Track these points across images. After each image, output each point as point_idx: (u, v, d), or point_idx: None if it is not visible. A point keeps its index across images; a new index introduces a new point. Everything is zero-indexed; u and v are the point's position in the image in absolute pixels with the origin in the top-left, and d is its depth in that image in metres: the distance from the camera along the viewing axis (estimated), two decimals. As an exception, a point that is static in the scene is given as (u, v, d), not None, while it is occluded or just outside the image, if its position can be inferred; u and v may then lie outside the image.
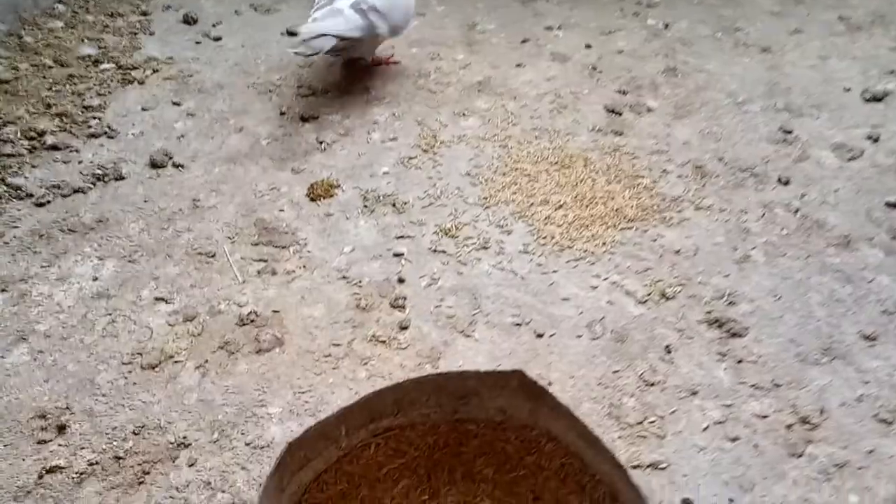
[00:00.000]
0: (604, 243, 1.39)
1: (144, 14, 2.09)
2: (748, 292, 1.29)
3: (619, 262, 1.36)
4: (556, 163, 1.61)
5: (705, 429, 1.06)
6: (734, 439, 1.04)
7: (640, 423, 1.06)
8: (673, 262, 1.36)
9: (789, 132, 1.70)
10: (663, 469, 1.00)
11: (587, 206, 1.48)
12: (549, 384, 1.10)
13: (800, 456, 1.02)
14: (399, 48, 2.01)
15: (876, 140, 1.66)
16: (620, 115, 1.77)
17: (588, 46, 2.05)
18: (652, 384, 1.12)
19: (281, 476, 0.85)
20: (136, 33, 1.98)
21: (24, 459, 1.00)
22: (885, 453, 1.02)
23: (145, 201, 1.46)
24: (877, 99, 1.80)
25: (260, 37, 2.03)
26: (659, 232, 1.43)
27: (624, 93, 1.85)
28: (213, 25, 2.06)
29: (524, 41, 2.07)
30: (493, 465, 0.97)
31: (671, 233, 1.43)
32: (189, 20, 2.05)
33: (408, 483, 0.95)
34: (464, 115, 1.75)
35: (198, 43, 1.98)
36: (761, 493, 0.97)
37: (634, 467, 0.99)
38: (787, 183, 1.55)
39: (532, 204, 1.49)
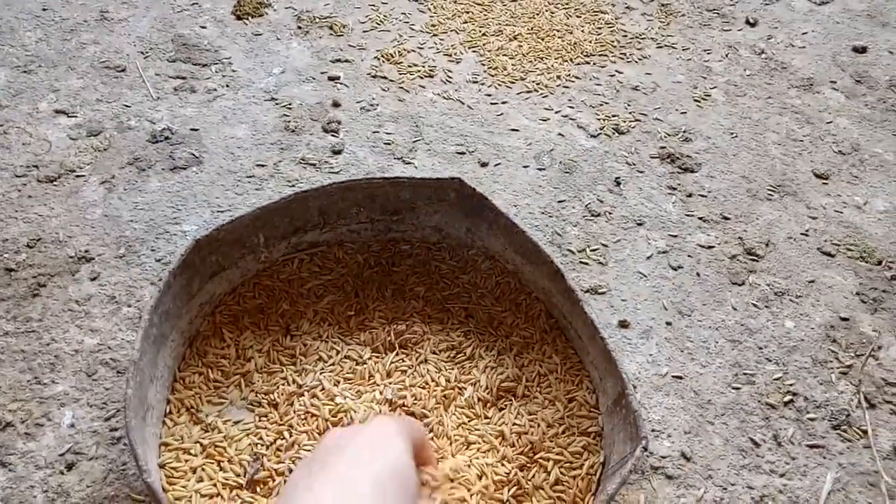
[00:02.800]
0: (558, 77, 1.29)
1: None
2: (704, 130, 1.23)
3: (573, 95, 1.26)
4: (512, -7, 1.47)
5: (649, 257, 1.01)
6: (677, 268, 1.00)
7: (583, 250, 1.01)
8: (630, 98, 1.27)
9: (762, -28, 1.59)
10: (602, 294, 0.96)
11: (543, 39, 1.36)
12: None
13: (741, 285, 0.99)
14: None
15: (850, -15, 1.57)
16: (585, -52, 1.62)
17: None
18: (598, 214, 1.07)
19: (190, 278, 0.77)
20: None
21: None
22: (825, 283, 1.00)
23: (44, 10, 1.28)
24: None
25: None
26: (618, 68, 1.33)
27: (591, -74, 1.69)
28: None
29: None
30: (425, 285, 0.91)
31: (630, 69, 1.33)
32: None
33: (333, 299, 0.89)
34: (414, -62, 1.57)
35: None
36: (699, 318, 0.94)
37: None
38: (754, 24, 1.46)
39: (484, 34, 1.36)
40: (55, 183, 1.01)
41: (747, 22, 1.46)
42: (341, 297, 0.89)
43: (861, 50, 1.41)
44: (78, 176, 1.02)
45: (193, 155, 1.07)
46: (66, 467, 0.72)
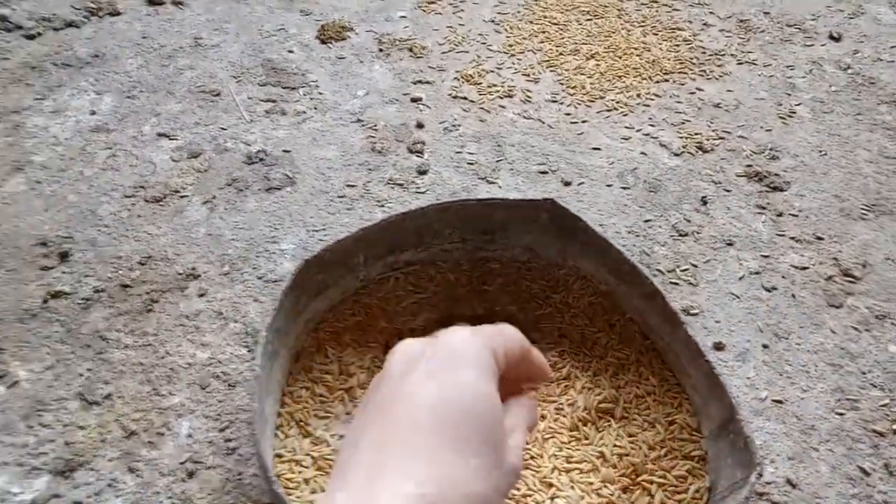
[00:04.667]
0: (638, 95, 1.29)
1: None
2: (792, 147, 1.21)
3: (654, 114, 1.26)
4: (588, 12, 1.47)
5: (741, 278, 1.00)
6: (771, 289, 0.99)
7: (672, 270, 1.01)
8: (712, 115, 1.26)
9: (845, -15, 1.55)
10: (694, 315, 0.95)
11: (620, 58, 1.37)
12: (577, 230, 1.03)
13: (839, 307, 0.97)
14: None
15: (939, -3, 1.53)
16: (659, -35, 1.61)
17: None
18: (686, 234, 1.06)
19: (297, 297, 0.81)
20: None
21: (27, 284, 0.95)
22: (929, 306, 0.97)
23: (143, 38, 1.35)
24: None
25: None
26: (698, 85, 1.32)
27: (664, -58, 1.68)
28: None
29: None
30: (517, 304, 0.93)
31: (711, 86, 1.32)
32: None
33: (428, 317, 0.91)
34: (488, -41, 1.60)
35: None
36: (797, 341, 0.93)
37: (665, 311, 0.94)
38: (838, 39, 1.43)
39: (561, 54, 1.37)
40: (161, 203, 1.06)
41: (831, 37, 1.43)
42: (436, 315, 0.91)
43: (954, 63, 1.36)
44: (182, 196, 1.07)
45: (287, 176, 1.11)
46: (187, 475, 0.76)
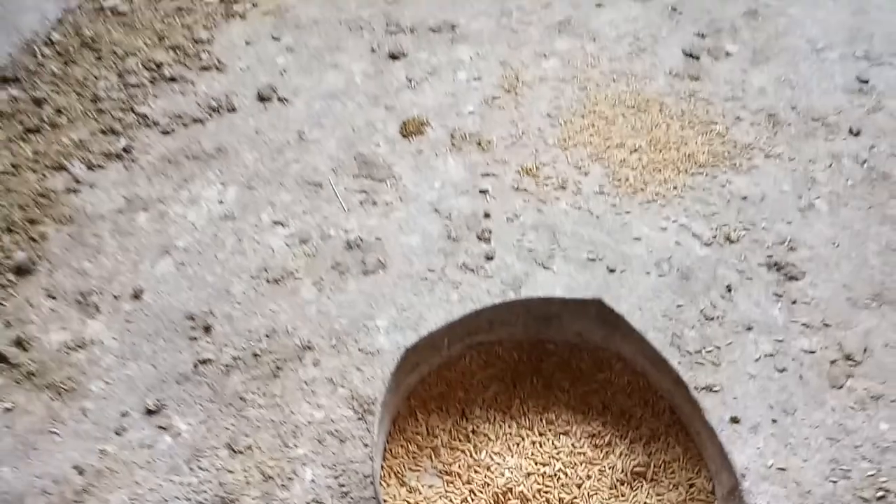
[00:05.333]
0: (675, 187, 1.50)
1: (239, -55, 2.18)
2: (809, 239, 1.39)
3: (688, 205, 1.47)
4: (633, 106, 1.69)
5: (757, 360, 1.20)
6: (782, 370, 1.18)
7: (699, 351, 1.21)
8: (739, 207, 1.46)
9: (865, 82, 1.72)
10: (716, 392, 1.15)
11: (661, 151, 1.58)
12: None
13: (840, 388, 1.16)
14: (482, -16, 2.07)
15: (955, 92, 1.68)
16: (698, 59, 1.82)
17: (669, -15, 2.06)
18: (711, 318, 1.26)
19: (398, 376, 1.04)
20: (233, -34, 2.09)
21: (180, 352, 1.22)
22: (920, 390, 1.15)
23: (256, 133, 1.62)
24: (962, 49, 1.79)
25: (348, -30, 2.12)
26: (728, 178, 1.52)
27: (703, 36, 1.88)
28: (304, -42, 2.15)
29: (605, -22, 2.10)
30: (568, 379, 1.14)
31: (740, 179, 1.52)
32: (281, -48, 2.14)
33: (496, 389, 1.13)
34: (545, 55, 1.83)
35: (291, -24, 2.08)
36: (802, 417, 1.12)
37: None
38: (857, 134, 1.61)
39: (608, 147, 1.59)
40: (280, 283, 1.32)
41: (850, 131, 1.61)
42: (503, 387, 1.14)
43: (963, 159, 1.52)
44: (296, 278, 1.33)
45: (379, 260, 1.36)
46: (315, 514, 1.00)
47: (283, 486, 1.04)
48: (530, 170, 1.54)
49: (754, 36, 1.88)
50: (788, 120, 1.65)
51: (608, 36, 1.89)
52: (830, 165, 1.54)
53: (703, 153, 1.57)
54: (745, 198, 1.48)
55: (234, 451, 1.09)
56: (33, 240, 1.37)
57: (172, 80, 1.73)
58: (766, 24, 1.92)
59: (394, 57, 1.82)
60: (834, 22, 1.91)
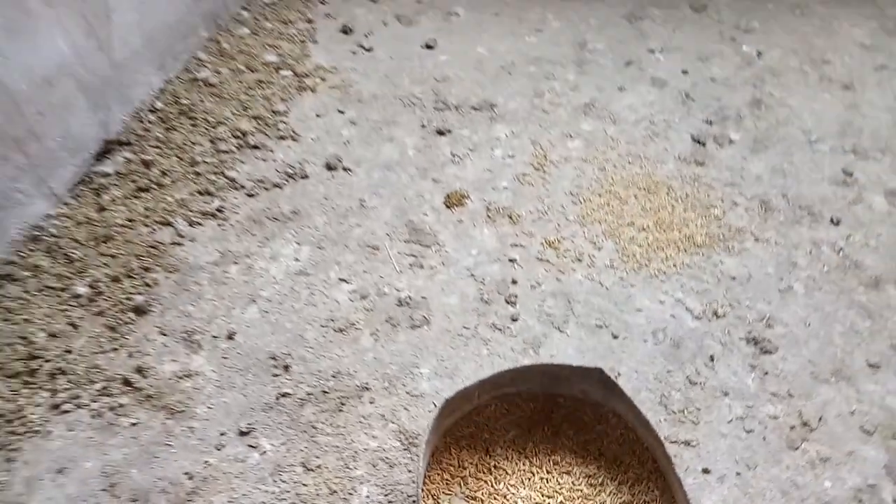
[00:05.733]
0: (674, 265, 1.77)
1: (309, 21, 2.52)
2: (785, 318, 1.66)
3: (684, 282, 1.74)
4: (644, 188, 1.97)
5: (729, 421, 1.47)
6: (749, 431, 1.45)
7: (682, 411, 1.48)
8: (728, 286, 1.73)
9: (850, 174, 1.98)
10: (693, 446, 1.42)
11: (665, 231, 1.85)
12: (618, 375, 1.53)
13: (796, 449, 1.42)
14: (519, 65, 2.37)
15: (928, 190, 1.93)
16: (704, 145, 2.09)
17: (685, 72, 2.34)
18: (695, 383, 1.53)
19: (438, 420, 1.33)
20: (304, 41, 2.42)
21: (265, 385, 1.53)
22: (861, 455, 1.40)
23: (325, 198, 1.94)
24: (939, 148, 2.04)
25: (404, 49, 2.43)
26: (721, 259, 1.79)
27: (710, 123, 2.16)
28: (366, 35, 2.48)
29: (628, 63, 2.38)
30: (573, 429, 1.42)
31: (731, 260, 1.79)
32: (346, 30, 2.47)
33: (515, 433, 1.42)
34: (570, 136, 2.12)
35: (354, 53, 2.40)
36: (761, 472, 1.38)
37: (672, 442, 1.42)
38: (838, 223, 1.86)
39: (620, 225, 1.87)
40: (343, 332, 1.63)
41: (832, 220, 1.86)
42: (520, 432, 1.43)
43: (926, 253, 1.77)
44: (356, 329, 1.63)
45: (424, 317, 1.66)
46: (371, 524, 1.30)
47: (344, 499, 1.34)
48: (552, 243, 1.83)
49: (757, 125, 2.15)
50: (778, 207, 1.92)
51: (627, 119, 2.18)
52: (811, 252, 1.80)
53: (702, 235, 1.84)
54: (733, 278, 1.75)
55: (307, 469, 1.40)
56: (147, 285, 1.70)
57: (255, 147, 2.06)
58: (768, 113, 2.18)
59: (441, 133, 2.13)
60: (829, 115, 2.17)
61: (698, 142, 2.10)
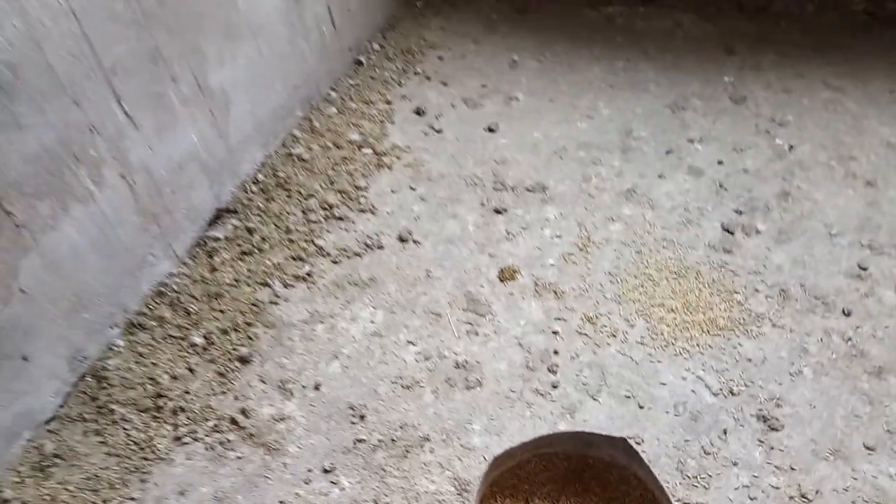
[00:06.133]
0: (697, 345, 2.03)
1: (388, 102, 2.89)
2: (793, 399, 1.89)
3: (705, 360, 1.99)
4: (675, 272, 2.23)
5: (736, 488, 1.71)
6: (753, 499, 1.69)
7: (696, 476, 1.74)
8: (744, 367, 1.97)
9: (865, 269, 2.20)
10: (703, 508, 1.68)
11: (692, 313, 2.11)
12: (642, 441, 1.79)
13: (793, 517, 1.66)
14: (570, 150, 2.67)
15: (936, 287, 2.14)
16: (733, 234, 2.34)
17: (720, 162, 2.60)
18: (709, 453, 1.78)
19: (488, 473, 1.62)
20: (383, 121, 2.79)
21: (344, 431, 1.85)
22: (851, 527, 1.63)
23: (397, 268, 2.27)
24: (951, 248, 2.24)
25: (469, 131, 2.77)
26: (740, 341, 2.04)
27: (740, 213, 2.41)
28: (436, 117, 2.83)
29: (668, 152, 2.66)
30: (600, 486, 1.69)
31: (748, 343, 2.03)
32: (419, 111, 2.83)
33: (550, 487, 1.69)
34: (612, 220, 2.41)
35: (426, 133, 2.75)
36: (761, 535, 1.62)
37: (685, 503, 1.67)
38: (849, 315, 2.09)
39: (652, 305, 2.14)
40: (410, 389, 1.94)
41: (843, 312, 2.09)
42: (555, 487, 1.70)
43: (928, 347, 1.98)
44: (420, 386, 1.95)
45: (477, 379, 1.96)
46: (429, 554, 1.60)
47: (409, 533, 1.65)
48: (591, 318, 2.11)
49: (783, 216, 2.39)
50: (796, 296, 2.15)
51: (664, 206, 2.45)
52: (821, 339, 2.03)
53: (724, 318, 2.09)
54: (749, 360, 1.99)
55: (378, 505, 1.71)
56: (249, 338, 2.06)
57: (340, 218, 2.41)
58: (794, 205, 2.42)
59: (497, 212, 2.44)
60: (850, 210, 2.39)
61: (728, 231, 2.35)
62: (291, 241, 2.33)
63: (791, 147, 2.64)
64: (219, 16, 2.13)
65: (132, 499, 1.70)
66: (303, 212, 2.42)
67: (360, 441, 1.83)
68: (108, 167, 1.86)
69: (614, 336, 2.07)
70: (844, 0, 3.36)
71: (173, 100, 2.03)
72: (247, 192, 2.47)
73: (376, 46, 3.10)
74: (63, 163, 1.72)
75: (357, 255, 2.31)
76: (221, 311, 2.11)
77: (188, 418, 1.87)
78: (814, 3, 3.38)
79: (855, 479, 1.73)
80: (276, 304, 2.16)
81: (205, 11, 2.06)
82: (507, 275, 2.24)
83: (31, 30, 1.56)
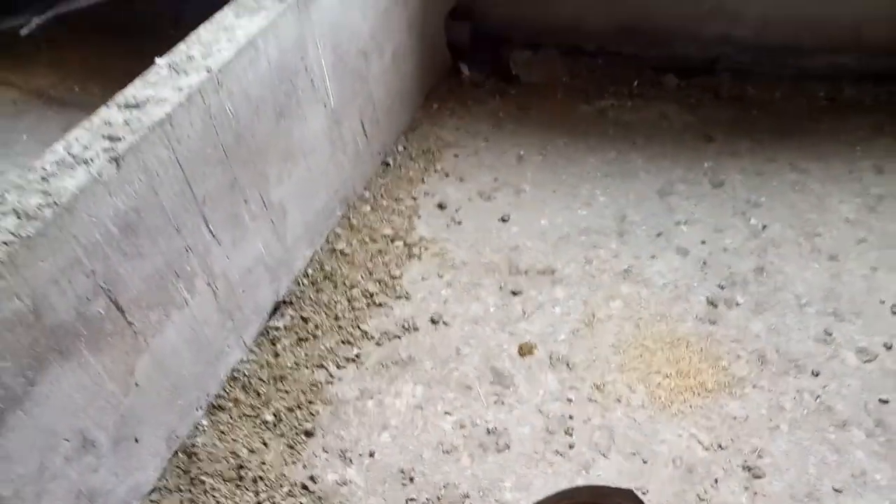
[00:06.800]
0: (690, 406, 2.40)
1: (414, 199, 3.33)
2: (772, 450, 2.25)
3: (697, 420, 2.36)
4: (669, 342, 2.62)
5: (727, 529, 2.06)
6: (741, 538, 2.04)
7: (692, 520, 2.09)
8: (731, 424, 2.34)
9: (830, 334, 2.58)
10: (700, 547, 2.02)
11: (684, 378, 2.49)
12: (647, 491, 2.15)
13: (775, 552, 2.00)
14: (573, 236, 3.09)
15: (889, 348, 2.51)
16: (717, 307, 2.73)
17: (703, 242, 3.01)
18: (703, 500, 2.13)
19: (521, 524, 1.98)
20: (411, 216, 3.23)
21: (397, 492, 2.21)
22: (823, 559, 1.97)
23: (431, 347, 2.67)
24: (902, 313, 2.62)
25: (484, 221, 3.20)
26: (726, 402, 2.41)
27: (722, 287, 2.81)
28: (456, 210, 3.26)
29: (658, 234, 3.07)
30: (613, 531, 2.04)
31: (733, 403, 2.40)
32: (441, 206, 3.27)
33: (571, 532, 2.05)
34: (613, 298, 2.80)
35: (448, 225, 3.19)
36: (749, 568, 1.96)
37: (684, 544, 2.02)
38: (817, 375, 2.46)
39: (650, 373, 2.52)
40: (449, 454, 2.31)
41: (812, 373, 2.46)
42: (576, 532, 2.06)
43: (884, 401, 2.34)
44: (458, 451, 2.31)
45: (506, 443, 2.33)
46: None
47: (457, 576, 1.99)
48: (599, 386, 2.49)
49: (759, 289, 2.78)
50: (772, 360, 2.53)
51: (657, 283, 2.85)
52: (795, 398, 2.40)
53: (712, 382, 2.47)
54: (734, 417, 2.36)
55: (430, 554, 2.06)
56: (312, 414, 2.44)
57: (379, 305, 2.82)
58: (768, 279, 2.82)
59: (514, 293, 2.85)
60: (816, 282, 2.78)
61: (712, 304, 2.74)
62: (340, 326, 2.74)
63: (764, 226, 3.06)
64: (279, 146, 2.59)
65: (227, 555, 2.06)
66: (348, 300, 2.83)
67: (412, 500, 2.19)
68: (199, 278, 2.28)
69: (619, 401, 2.44)
70: (808, 87, 3.83)
71: (245, 217, 2.47)
72: (299, 286, 2.89)
73: (400, 148, 3.57)
74: (167, 279, 2.14)
75: (397, 336, 2.71)
76: (286, 392, 2.50)
77: (266, 485, 2.24)
78: (781, 90, 3.85)
79: (825, 518, 2.07)
80: (331, 383, 2.55)
81: (269, 144, 2.53)
82: (525, 350, 2.63)
83: (151, 180, 2.01)
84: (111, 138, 1.94)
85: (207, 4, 3.27)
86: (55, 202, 1.76)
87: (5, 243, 1.66)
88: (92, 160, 1.88)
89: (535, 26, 4.10)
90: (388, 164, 3.49)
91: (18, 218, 1.72)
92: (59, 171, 1.85)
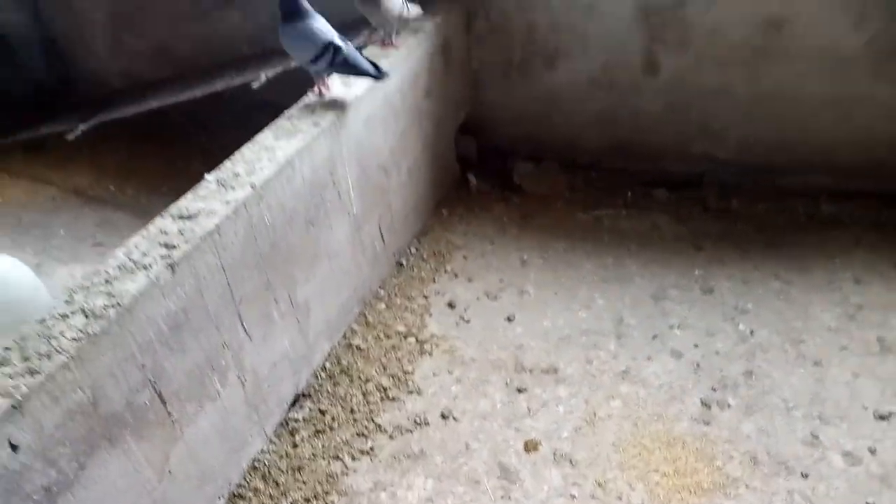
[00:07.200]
0: (687, 504, 2.53)
1: (425, 297, 3.57)
2: (765, 550, 2.37)
3: (694, 518, 2.49)
4: (665, 442, 2.77)
5: None
6: None
7: None
8: (725, 523, 2.47)
9: (817, 437, 2.74)
10: None
11: (680, 477, 2.63)
12: (647, 588, 2.25)
13: None
14: (574, 337, 3.30)
15: (874, 452, 2.67)
16: (710, 408, 2.91)
17: (696, 346, 3.22)
18: None
19: None
20: (423, 314, 3.45)
21: (409, 584, 2.31)
22: None
23: (442, 442, 2.82)
24: (883, 418, 2.79)
25: (491, 321, 3.42)
26: (721, 502, 2.54)
27: (714, 390, 2.99)
28: (465, 309, 3.49)
29: (654, 337, 3.29)
30: None
31: (727, 502, 2.53)
32: (451, 304, 3.50)
33: None
34: (612, 397, 2.98)
35: (457, 324, 3.40)
36: None
37: None
38: (806, 476, 2.60)
39: (648, 471, 2.66)
40: (476, 484, 2.42)
41: (801, 474, 2.61)
42: None
43: (870, 504, 2.48)
44: (479, 482, 2.43)
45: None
46: None
47: None
48: (601, 483, 2.63)
49: (748, 392, 2.97)
50: (763, 461, 2.68)
51: (653, 384, 3.04)
52: (785, 499, 2.54)
53: (707, 482, 2.61)
54: (729, 516, 2.49)
55: None
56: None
57: (393, 399, 2.99)
58: (757, 382, 3.01)
59: (519, 391, 3.03)
60: (802, 386, 2.97)
61: (706, 405, 2.92)
62: (355, 419, 2.89)
63: (752, 332, 3.28)
64: (308, 251, 2.85)
65: None
66: (363, 394, 3.00)
67: (423, 592, 2.29)
68: (231, 372, 2.48)
69: (620, 499, 2.57)
70: (789, 203, 4.16)
71: (274, 315, 2.70)
72: (318, 379, 3.07)
73: (413, 250, 3.85)
74: (205, 373, 2.34)
75: (409, 431, 2.86)
76: (304, 482, 2.63)
77: (283, 575, 2.34)
78: (764, 205, 4.18)
79: None
80: (346, 475, 2.68)
81: (299, 250, 2.79)
82: (530, 447, 2.78)
83: (199, 283, 2.24)
84: (167, 246, 2.20)
85: (232, 114, 3.67)
86: (118, 303, 1.99)
87: (75, 339, 1.88)
88: (150, 266, 2.12)
89: (537, 142, 4.49)
90: (401, 265, 3.75)
91: (86, 317, 1.95)
92: (121, 275, 2.09)
